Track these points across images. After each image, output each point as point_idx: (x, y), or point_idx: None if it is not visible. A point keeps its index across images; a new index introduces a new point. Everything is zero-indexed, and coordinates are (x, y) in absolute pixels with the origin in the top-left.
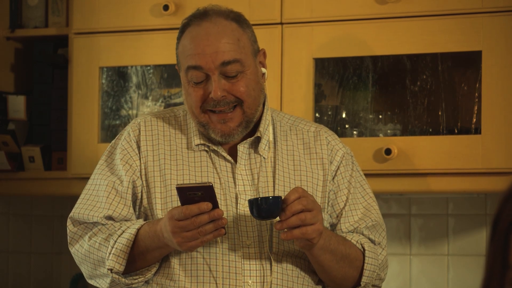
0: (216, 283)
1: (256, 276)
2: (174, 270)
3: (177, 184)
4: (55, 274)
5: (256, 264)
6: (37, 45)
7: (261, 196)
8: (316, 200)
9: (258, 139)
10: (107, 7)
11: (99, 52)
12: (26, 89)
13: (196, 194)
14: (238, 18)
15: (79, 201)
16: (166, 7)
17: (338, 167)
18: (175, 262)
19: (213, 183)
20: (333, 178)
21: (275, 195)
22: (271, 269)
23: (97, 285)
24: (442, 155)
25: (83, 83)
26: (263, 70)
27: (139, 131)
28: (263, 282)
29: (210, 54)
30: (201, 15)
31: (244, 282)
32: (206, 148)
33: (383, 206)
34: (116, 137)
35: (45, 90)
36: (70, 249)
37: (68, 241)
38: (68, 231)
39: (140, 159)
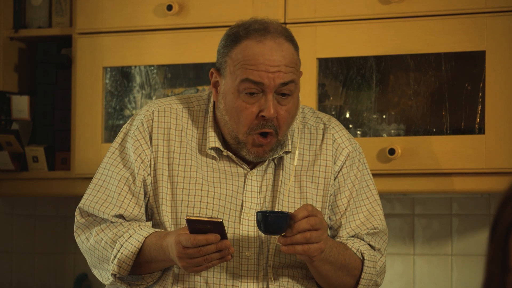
0: None
1: None
2: (172, 279)
3: (187, 216)
4: (59, 274)
5: (254, 277)
6: (40, 45)
7: (266, 209)
8: (317, 208)
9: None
10: (111, 7)
11: (103, 52)
12: (30, 89)
13: (205, 227)
14: (293, 40)
15: (89, 191)
16: (169, 7)
17: (341, 167)
18: (173, 271)
19: (222, 219)
20: (335, 179)
21: (280, 209)
22: (269, 282)
23: (99, 278)
24: (445, 155)
25: (87, 83)
26: None
27: (152, 122)
28: None
29: (273, 73)
30: (263, 31)
31: None
32: (217, 154)
33: (386, 206)
34: (128, 122)
35: (49, 90)
36: (75, 237)
37: (74, 229)
38: (75, 220)
39: (151, 152)
